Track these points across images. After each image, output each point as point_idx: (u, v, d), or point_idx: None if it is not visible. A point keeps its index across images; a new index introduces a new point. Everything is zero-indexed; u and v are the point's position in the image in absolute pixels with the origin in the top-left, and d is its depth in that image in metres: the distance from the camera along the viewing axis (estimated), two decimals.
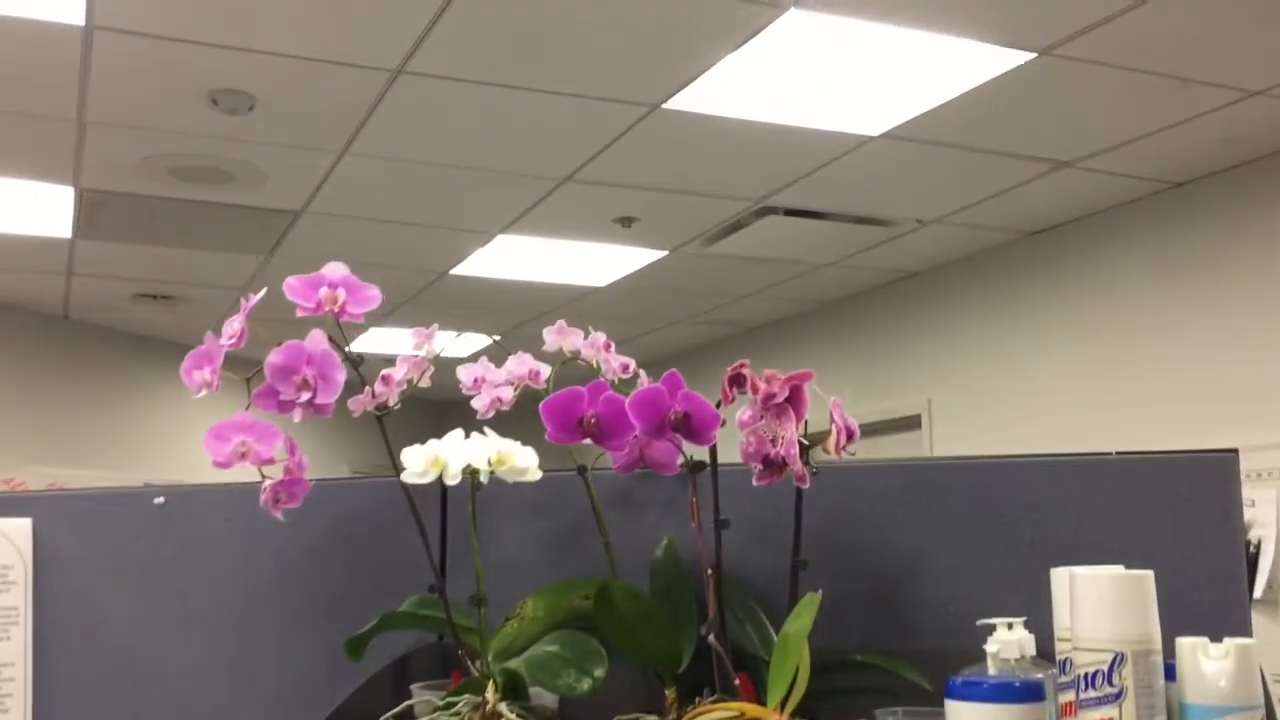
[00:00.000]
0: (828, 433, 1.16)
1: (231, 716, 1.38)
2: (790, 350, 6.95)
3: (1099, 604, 0.97)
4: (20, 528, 1.44)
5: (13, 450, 6.40)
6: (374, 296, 1.36)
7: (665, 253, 5.58)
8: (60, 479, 6.52)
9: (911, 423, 5.95)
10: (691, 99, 3.74)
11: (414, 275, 5.95)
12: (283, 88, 3.61)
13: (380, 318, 6.79)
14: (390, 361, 1.40)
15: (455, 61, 3.45)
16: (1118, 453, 1.32)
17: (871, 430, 6.19)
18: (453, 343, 7.43)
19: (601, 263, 5.76)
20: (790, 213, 4.97)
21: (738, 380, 1.14)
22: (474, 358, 1.40)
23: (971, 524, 1.31)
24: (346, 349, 1.31)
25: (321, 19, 3.16)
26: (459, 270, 5.85)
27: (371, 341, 6.89)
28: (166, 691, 1.39)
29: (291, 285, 1.32)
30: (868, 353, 6.37)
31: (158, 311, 6.62)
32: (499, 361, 1.40)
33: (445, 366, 1.35)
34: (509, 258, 5.63)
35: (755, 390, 1.12)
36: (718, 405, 1.15)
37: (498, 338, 7.33)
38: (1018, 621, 1.03)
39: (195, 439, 1.31)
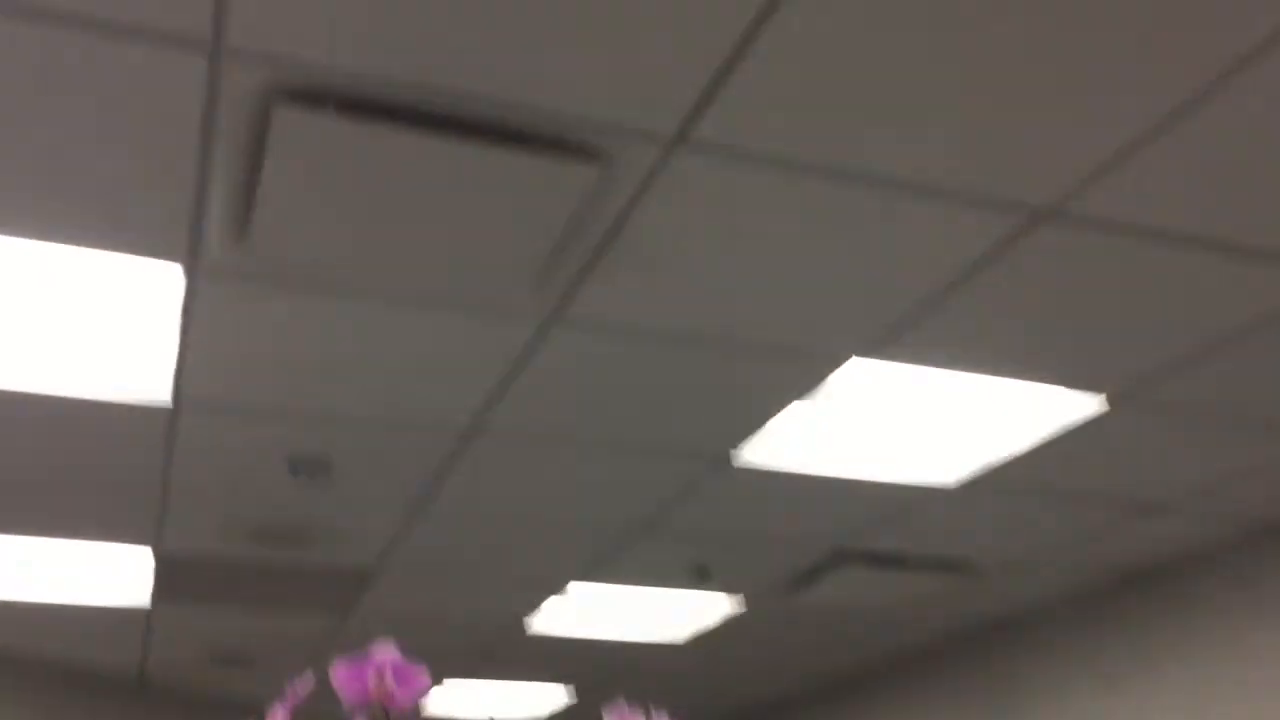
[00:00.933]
0: None
1: None
2: (883, 703, 6.60)
3: None
4: None
5: None
6: (424, 683, 1.31)
7: (743, 603, 5.44)
8: None
9: None
10: (759, 451, 3.75)
11: (490, 629, 5.85)
12: (359, 451, 3.69)
13: (458, 671, 6.65)
14: None
15: (526, 421, 3.52)
16: None
17: None
18: (535, 694, 7.21)
19: (679, 615, 5.62)
20: (870, 560, 4.85)
21: None
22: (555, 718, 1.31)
23: None
24: None
25: (397, 384, 3.27)
26: (535, 623, 5.74)
27: (451, 697, 6.70)
28: None
29: (339, 674, 1.28)
30: (965, 705, 6.02)
31: (234, 675, 6.54)
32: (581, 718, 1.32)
33: None
34: (585, 608, 5.52)
35: None
36: None
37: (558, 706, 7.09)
38: None
39: None
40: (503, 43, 2.03)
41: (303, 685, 1.34)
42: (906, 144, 2.32)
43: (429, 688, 1.35)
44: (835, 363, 3.21)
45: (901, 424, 3.60)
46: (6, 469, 3.74)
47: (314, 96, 2.14)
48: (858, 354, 3.17)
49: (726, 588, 5.27)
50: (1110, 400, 3.45)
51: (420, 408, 3.41)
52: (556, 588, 5.26)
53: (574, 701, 7.31)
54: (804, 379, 3.30)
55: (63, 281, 2.69)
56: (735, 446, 3.73)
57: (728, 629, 5.81)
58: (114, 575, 4.83)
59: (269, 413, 3.40)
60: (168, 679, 6.70)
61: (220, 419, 3.42)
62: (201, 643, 5.98)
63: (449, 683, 6.83)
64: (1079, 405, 3.47)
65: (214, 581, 4.98)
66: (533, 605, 5.50)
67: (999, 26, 2.02)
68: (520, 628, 5.83)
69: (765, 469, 3.88)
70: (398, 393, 3.32)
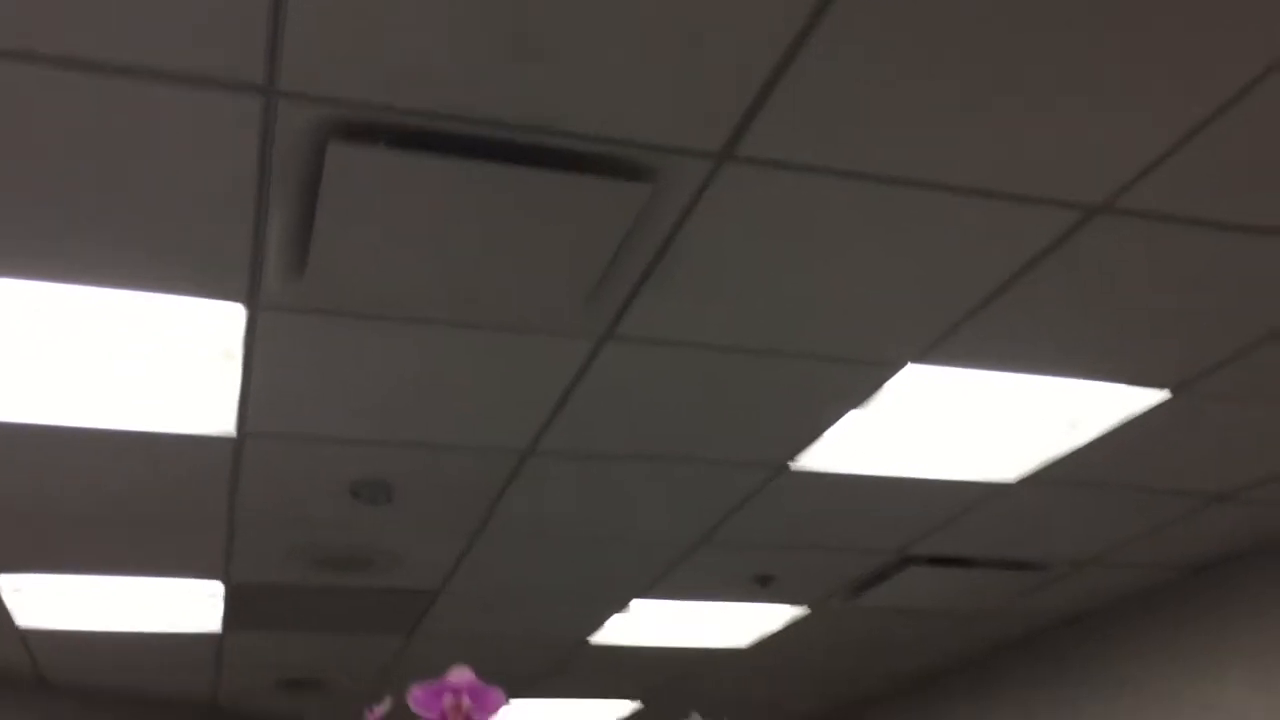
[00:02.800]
0: None
1: None
2: (954, 705, 6.54)
3: None
4: None
5: None
6: (498, 700, 1.33)
7: (807, 609, 5.42)
8: None
9: None
10: (819, 457, 3.74)
11: (552, 646, 5.87)
12: (420, 475, 3.73)
13: (522, 689, 6.67)
14: None
15: (583, 438, 3.54)
16: None
17: None
18: (600, 711, 7.22)
19: (742, 622, 5.61)
20: (934, 561, 4.81)
21: None
22: None
23: None
24: None
25: (455, 407, 3.30)
26: (597, 638, 5.75)
27: (514, 715, 6.72)
28: None
29: (416, 697, 1.30)
30: (1037, 704, 5.95)
31: (304, 697, 6.61)
32: None
33: None
34: (647, 623, 5.53)
35: None
36: None
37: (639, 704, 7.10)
38: None
39: None
40: (549, 74, 2.05)
41: (381, 707, 1.36)
42: (953, 148, 2.32)
43: (504, 704, 1.36)
44: (891, 370, 3.20)
45: (958, 426, 3.58)
46: (82, 508, 3.82)
47: (366, 132, 2.18)
48: (914, 360, 3.15)
49: (790, 598, 5.25)
50: (1172, 392, 3.40)
51: (479, 429, 3.44)
52: (619, 605, 5.27)
53: (640, 709, 7.31)
54: (860, 387, 3.29)
55: (125, 321, 2.74)
56: (793, 455, 3.72)
57: (791, 633, 5.78)
58: (186, 605, 4.91)
59: (330, 440, 3.45)
60: (239, 705, 6.79)
61: (283, 445, 3.47)
62: (271, 668, 6.06)
63: (515, 702, 6.85)
64: (1140, 398, 3.43)
65: (281, 608, 5.04)
66: (596, 624, 5.52)
67: (1044, 31, 2.02)
68: (586, 643, 5.84)
69: (824, 473, 3.87)
70: (456, 416, 3.35)
